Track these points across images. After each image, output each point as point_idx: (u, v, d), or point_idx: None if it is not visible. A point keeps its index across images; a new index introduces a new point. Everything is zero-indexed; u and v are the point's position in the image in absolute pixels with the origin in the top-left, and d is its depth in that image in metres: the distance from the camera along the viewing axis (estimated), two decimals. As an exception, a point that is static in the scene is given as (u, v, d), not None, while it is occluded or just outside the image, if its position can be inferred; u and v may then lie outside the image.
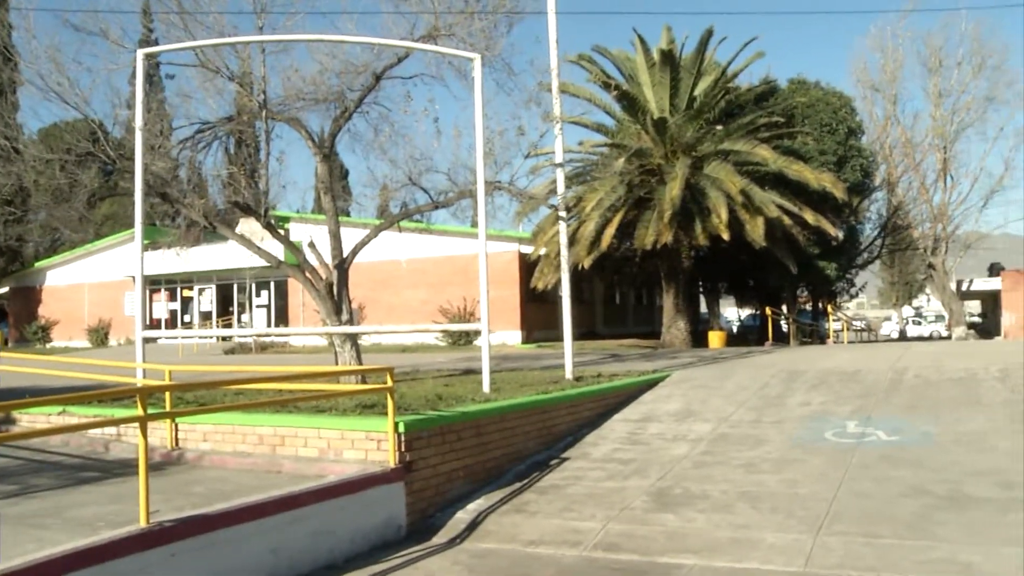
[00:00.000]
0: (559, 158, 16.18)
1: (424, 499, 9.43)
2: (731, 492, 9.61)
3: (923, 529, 8.09)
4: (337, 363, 14.87)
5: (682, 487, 9.90)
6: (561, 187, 16.30)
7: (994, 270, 51.36)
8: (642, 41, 31.68)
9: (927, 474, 9.65)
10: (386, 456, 9.10)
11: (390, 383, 9.21)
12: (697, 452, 11.27)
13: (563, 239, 16.11)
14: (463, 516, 9.47)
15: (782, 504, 9.07)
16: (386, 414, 9.12)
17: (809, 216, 30.14)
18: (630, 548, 8.30)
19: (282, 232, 16.38)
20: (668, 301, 31.96)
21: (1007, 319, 45.13)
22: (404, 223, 16.56)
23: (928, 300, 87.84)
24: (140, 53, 13.91)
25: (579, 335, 27.49)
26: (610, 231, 29.00)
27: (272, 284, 41.18)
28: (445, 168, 15.06)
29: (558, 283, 15.99)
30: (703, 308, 45.74)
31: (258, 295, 41.98)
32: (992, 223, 65.49)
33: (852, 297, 54.14)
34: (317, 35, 14.61)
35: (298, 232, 31.55)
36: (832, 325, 40.52)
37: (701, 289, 42.23)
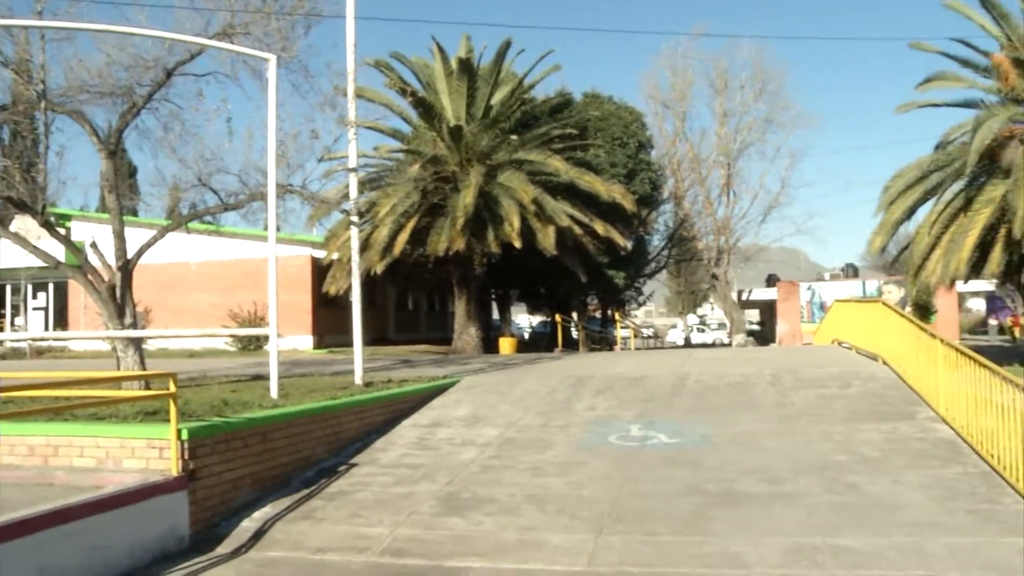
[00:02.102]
0: (353, 163, 16.08)
1: (209, 508, 9.20)
2: (518, 495, 9.81)
3: (698, 525, 8.54)
4: (119, 368, 14.29)
5: (470, 491, 10.05)
6: (354, 192, 16.23)
7: (771, 281, 54.44)
8: (441, 49, 31.78)
9: (704, 473, 10.17)
10: (168, 464, 8.84)
11: (173, 389, 8.96)
12: (485, 456, 11.46)
13: (355, 244, 16.04)
14: (249, 524, 9.30)
15: (567, 506, 9.34)
16: (169, 421, 8.86)
17: (599, 226, 30.93)
18: (418, 553, 8.36)
19: (62, 231, 15.61)
20: (460, 307, 32.14)
21: (781, 327, 48.06)
22: (193, 225, 16.10)
23: (712, 308, 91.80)
24: None
25: (371, 340, 27.40)
26: (403, 237, 28.91)
27: (51, 286, 39.03)
28: (236, 169, 14.72)
29: (351, 288, 15.88)
30: (495, 315, 46.30)
31: (35, 297, 39.73)
32: (770, 237, 69.68)
33: (640, 305, 55.92)
34: (104, 25, 13.94)
35: (81, 231, 30.07)
36: (620, 332, 41.81)
37: (493, 296, 42.71)
